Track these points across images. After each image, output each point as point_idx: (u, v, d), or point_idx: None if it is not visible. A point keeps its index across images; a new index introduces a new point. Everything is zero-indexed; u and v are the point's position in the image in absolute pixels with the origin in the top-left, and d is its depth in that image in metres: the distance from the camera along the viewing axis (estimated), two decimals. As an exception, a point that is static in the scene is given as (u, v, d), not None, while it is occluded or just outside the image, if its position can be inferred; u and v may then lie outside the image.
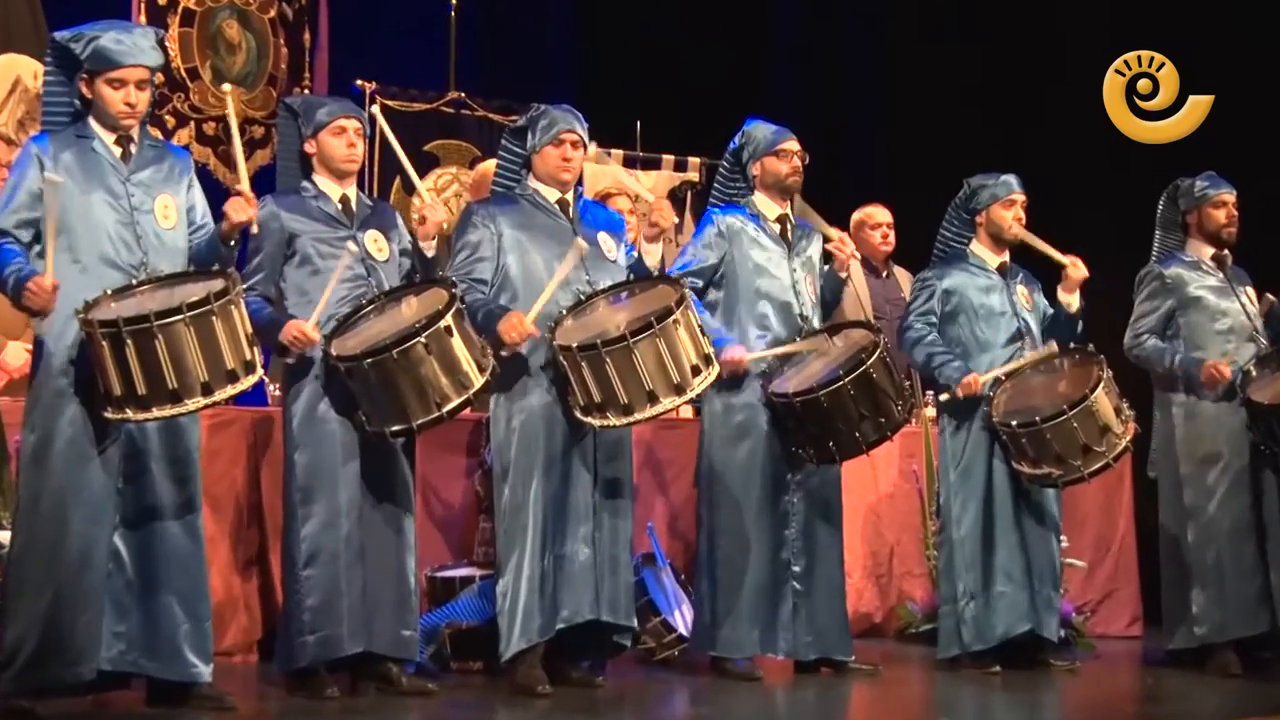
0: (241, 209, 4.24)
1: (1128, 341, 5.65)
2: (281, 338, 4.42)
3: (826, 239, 5.25)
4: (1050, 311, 5.50)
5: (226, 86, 5.17)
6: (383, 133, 4.86)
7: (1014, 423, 5.15)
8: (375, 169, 7.46)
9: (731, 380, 4.99)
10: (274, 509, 4.99)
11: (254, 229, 4.35)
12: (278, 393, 5.24)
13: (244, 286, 4.29)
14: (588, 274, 4.75)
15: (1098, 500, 6.59)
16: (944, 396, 5.28)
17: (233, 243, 4.30)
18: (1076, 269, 5.39)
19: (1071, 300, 5.42)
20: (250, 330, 4.15)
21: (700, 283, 5.06)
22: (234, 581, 5.09)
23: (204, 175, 7.17)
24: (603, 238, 4.88)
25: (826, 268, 5.28)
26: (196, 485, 4.27)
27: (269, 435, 5.13)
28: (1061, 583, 5.57)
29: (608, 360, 4.46)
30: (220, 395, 4.06)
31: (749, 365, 5.01)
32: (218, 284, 4.09)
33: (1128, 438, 5.20)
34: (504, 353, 4.53)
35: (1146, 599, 6.47)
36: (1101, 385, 5.12)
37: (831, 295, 5.27)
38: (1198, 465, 5.53)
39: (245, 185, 4.27)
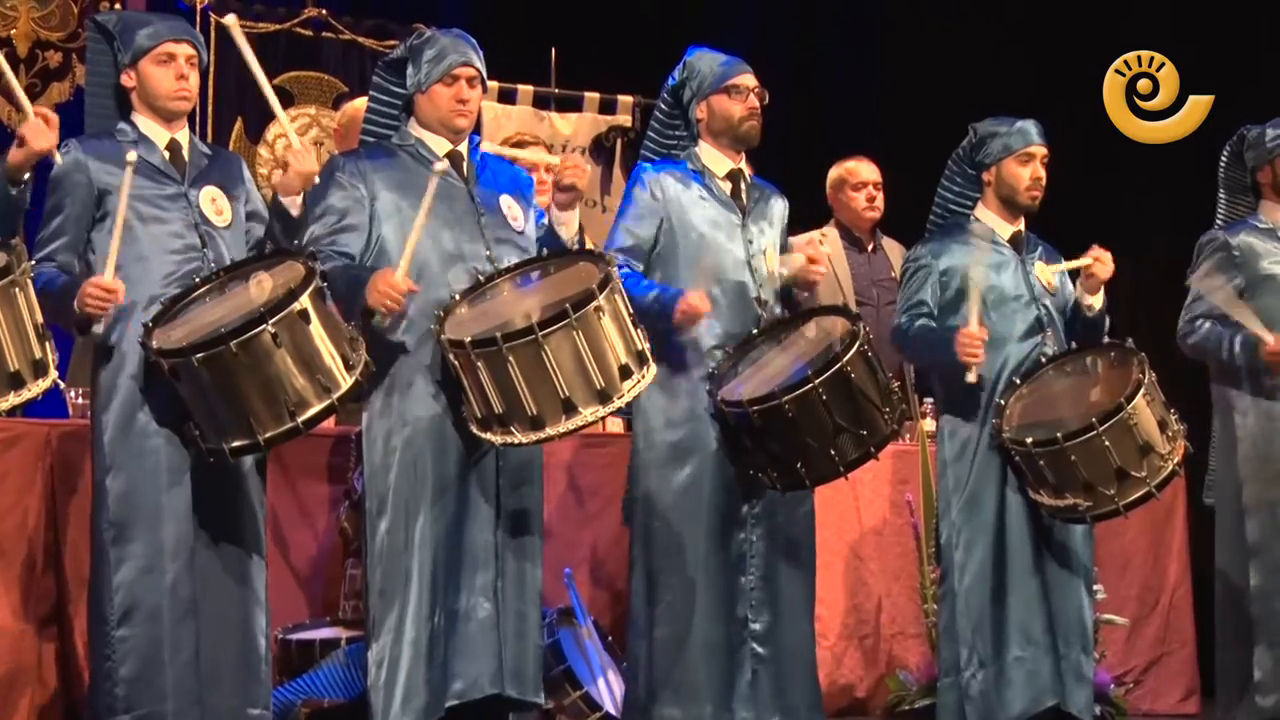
0: (41, 133, 4.28)
1: (1181, 327, 5.80)
2: (75, 304, 4.42)
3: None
4: (1073, 298, 5.56)
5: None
6: (241, 54, 4.83)
7: (1029, 440, 5.22)
8: (210, 105, 7.50)
9: (670, 383, 5.05)
10: (77, 550, 5.03)
11: (56, 157, 4.39)
12: (80, 400, 5.30)
13: (34, 260, 4.34)
14: (488, 247, 4.82)
15: (1142, 540, 6.74)
16: (969, 377, 5.22)
17: (22, 184, 4.34)
18: (1102, 265, 5.44)
19: (1093, 301, 5.50)
20: (40, 321, 4.20)
21: (641, 265, 5.11)
22: (24, 645, 5.12)
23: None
24: (506, 202, 4.94)
25: (783, 267, 5.28)
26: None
27: (71, 455, 5.17)
28: (1095, 646, 5.69)
29: (511, 359, 4.51)
30: (1, 404, 4.10)
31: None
32: (-5, 259, 4.15)
33: (1176, 459, 5.27)
34: (376, 321, 4.56)
35: (1205, 664, 6.62)
36: (1142, 391, 5.19)
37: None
38: (1265, 489, 5.67)
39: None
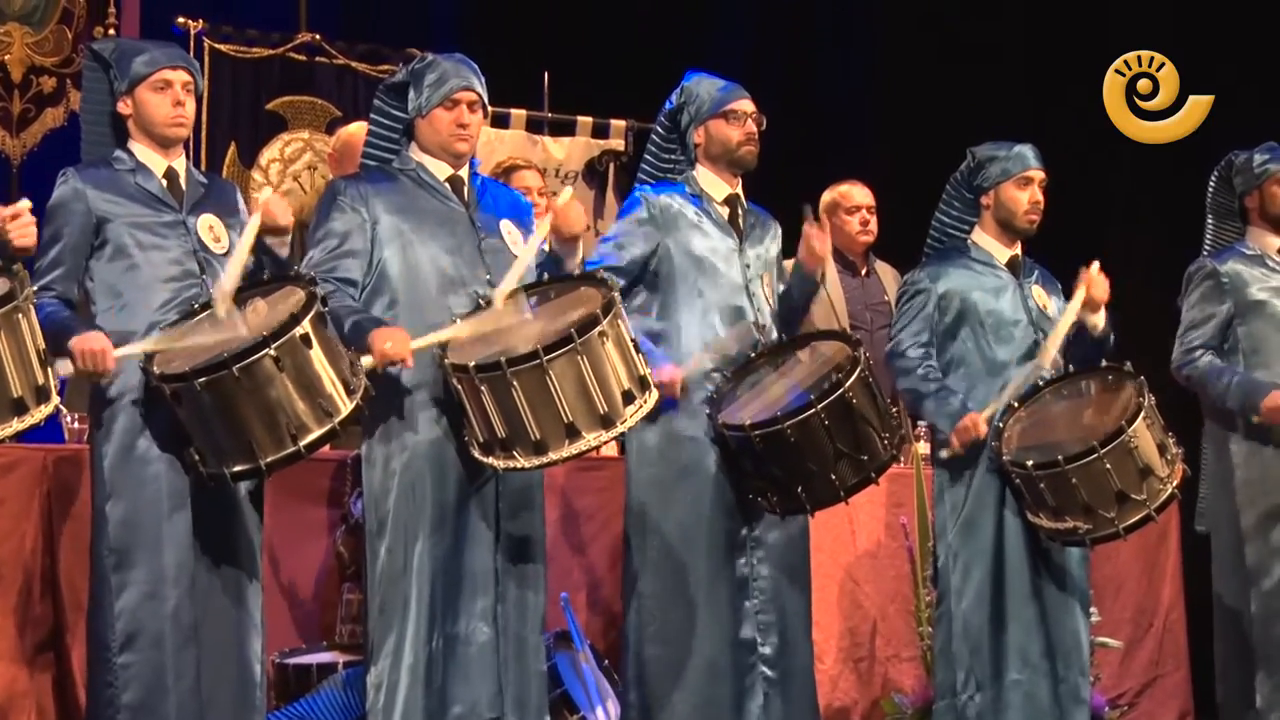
0: (24, 230, 4.29)
1: (1177, 358, 5.83)
2: (71, 344, 4.41)
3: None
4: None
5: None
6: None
7: (1030, 463, 5.23)
8: (203, 130, 7.51)
9: (669, 405, 5.03)
10: (73, 577, 5.03)
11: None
12: (77, 425, 5.29)
13: (36, 287, 4.33)
14: (488, 272, 4.83)
15: (1136, 562, 6.76)
16: (943, 453, 5.36)
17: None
18: (1097, 288, 5.43)
19: (1096, 321, 5.50)
20: (42, 346, 4.19)
21: (623, 282, 5.11)
22: (19, 674, 5.10)
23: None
24: (506, 226, 4.96)
25: (794, 263, 5.38)
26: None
27: (69, 481, 5.15)
28: (1091, 668, 5.71)
29: (515, 384, 4.52)
30: (3, 430, 4.10)
31: (688, 378, 5.04)
32: (0, 285, 4.14)
33: (1174, 482, 5.28)
34: (373, 365, 4.57)
35: (1199, 687, 6.65)
36: (1142, 415, 5.21)
37: (802, 299, 5.36)
38: (1263, 517, 5.71)
39: (23, 202, 4.31)
